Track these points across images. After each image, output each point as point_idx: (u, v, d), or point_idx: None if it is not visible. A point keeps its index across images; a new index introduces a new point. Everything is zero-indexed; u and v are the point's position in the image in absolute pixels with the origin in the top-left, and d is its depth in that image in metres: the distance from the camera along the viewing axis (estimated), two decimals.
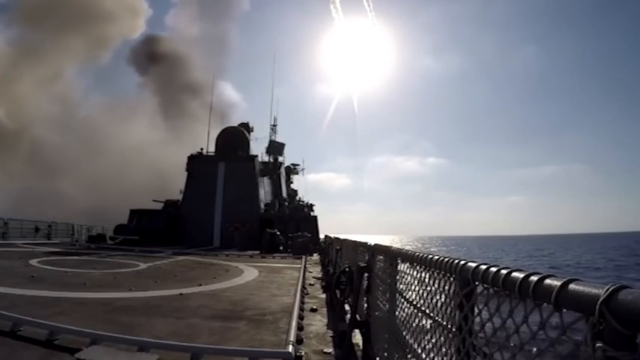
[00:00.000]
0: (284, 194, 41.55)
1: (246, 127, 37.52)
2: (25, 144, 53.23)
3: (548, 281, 1.14)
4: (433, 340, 2.19)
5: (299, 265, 14.38)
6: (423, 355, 2.32)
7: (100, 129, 57.72)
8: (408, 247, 3.30)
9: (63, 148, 52.76)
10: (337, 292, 6.36)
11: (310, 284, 10.97)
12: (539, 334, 1.18)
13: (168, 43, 71.34)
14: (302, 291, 8.80)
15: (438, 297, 2.15)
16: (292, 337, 4.80)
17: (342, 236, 10.75)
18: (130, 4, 65.78)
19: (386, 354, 3.40)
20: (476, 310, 1.67)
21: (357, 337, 5.09)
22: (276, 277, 11.76)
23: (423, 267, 2.35)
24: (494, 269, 1.45)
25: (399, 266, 3.17)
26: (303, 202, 43.37)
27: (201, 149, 32.71)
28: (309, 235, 25.10)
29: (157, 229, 27.76)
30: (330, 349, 4.99)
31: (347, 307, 6.14)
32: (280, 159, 42.34)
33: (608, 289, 0.93)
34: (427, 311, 2.34)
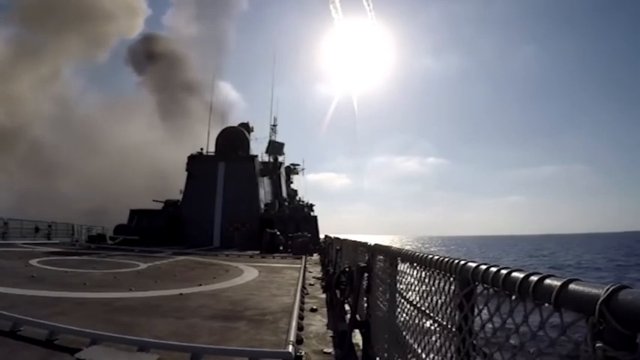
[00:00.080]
0: (284, 194, 41.55)
1: (246, 127, 37.52)
2: (23, 144, 53.22)
3: (548, 281, 1.14)
4: (433, 340, 2.19)
5: (299, 265, 14.38)
6: (423, 355, 2.32)
7: (99, 129, 57.79)
8: (408, 247, 3.30)
9: (62, 148, 52.82)
10: (337, 292, 6.36)
11: (310, 284, 10.97)
12: (539, 334, 1.18)
13: (166, 43, 71.38)
14: (302, 291, 8.80)
15: (438, 297, 2.15)
16: (292, 337, 4.80)
17: (342, 236, 10.75)
18: (129, 3, 65.81)
19: (386, 354, 3.40)
20: (476, 310, 1.67)
21: (357, 337, 5.09)
22: (276, 277, 11.76)
23: (423, 267, 2.35)
24: (494, 269, 1.45)
25: (399, 266, 3.17)
26: (303, 202, 43.39)
27: (201, 149, 32.72)
28: (309, 235, 25.09)
29: (156, 229, 27.75)
30: (330, 349, 4.99)
31: (347, 307, 6.14)
32: (280, 159, 42.39)
33: (608, 289, 0.93)
34: (427, 311, 2.34)
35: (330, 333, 5.77)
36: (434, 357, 2.14)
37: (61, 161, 51.79)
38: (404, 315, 2.88)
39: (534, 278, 1.19)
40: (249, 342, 5.04)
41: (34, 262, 12.24)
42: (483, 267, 1.54)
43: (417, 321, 2.53)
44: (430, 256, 2.21)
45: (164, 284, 9.38)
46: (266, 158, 39.91)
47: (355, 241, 6.52)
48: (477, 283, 1.60)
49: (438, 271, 2.08)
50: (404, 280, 2.98)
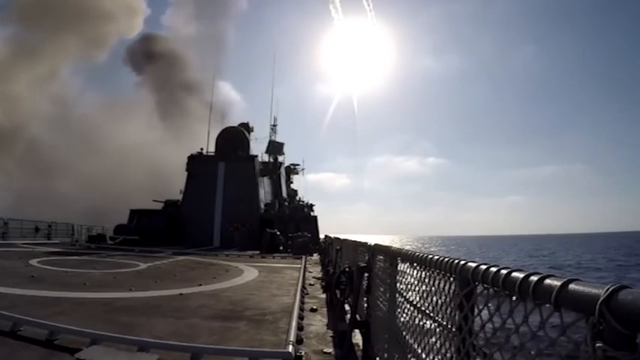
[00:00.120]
0: (284, 194, 41.56)
1: (246, 127, 37.53)
2: (21, 143, 53.19)
3: (548, 281, 1.14)
4: (433, 340, 2.19)
5: (299, 265, 14.38)
6: (423, 355, 2.32)
7: (98, 128, 57.77)
8: (407, 247, 3.30)
9: (60, 148, 52.78)
10: (337, 292, 6.36)
11: (310, 284, 10.97)
12: (540, 334, 1.18)
13: (165, 42, 71.41)
14: (302, 291, 8.80)
15: (438, 297, 2.15)
16: (292, 337, 4.80)
17: (342, 236, 10.75)
18: (129, 3, 65.76)
19: (386, 354, 3.40)
20: (476, 310, 1.67)
21: (357, 337, 5.09)
22: (276, 277, 11.75)
23: (423, 267, 2.35)
24: (494, 269, 1.45)
25: (399, 266, 3.17)
26: (303, 202, 43.38)
27: (201, 149, 32.72)
28: (309, 235, 25.09)
29: (156, 229, 27.75)
30: (330, 349, 4.99)
31: (347, 307, 6.14)
32: (280, 159, 42.40)
33: (608, 289, 0.93)
34: (427, 311, 2.34)
35: (330, 333, 5.77)
36: (434, 357, 2.14)
37: (60, 161, 51.80)
38: (404, 315, 2.88)
39: (534, 278, 1.19)
40: (249, 342, 5.04)
41: (34, 262, 12.24)
42: (483, 267, 1.54)
43: (417, 321, 2.53)
44: (430, 256, 2.21)
45: (164, 284, 9.38)
46: (266, 158, 39.95)
47: (355, 241, 6.52)
48: (476, 283, 1.60)
49: (438, 271, 2.08)
50: (404, 280, 2.98)
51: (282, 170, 42.81)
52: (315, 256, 20.99)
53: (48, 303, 6.62)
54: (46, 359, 4.17)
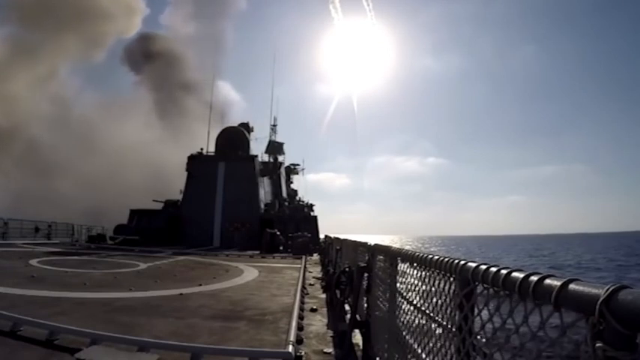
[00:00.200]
0: (284, 194, 41.56)
1: (246, 127, 37.53)
2: (20, 143, 53.14)
3: (548, 281, 1.14)
4: (433, 340, 2.19)
5: (299, 265, 14.38)
6: (423, 355, 2.32)
7: (96, 128, 57.77)
8: (407, 247, 3.30)
9: (59, 148, 52.73)
10: (337, 292, 6.36)
11: (310, 284, 10.97)
12: (540, 334, 1.18)
13: (163, 42, 71.36)
14: (302, 291, 8.80)
15: (438, 297, 2.15)
16: (292, 337, 4.80)
17: (342, 236, 10.75)
18: (127, 2, 65.70)
19: (386, 354, 3.40)
20: (476, 310, 1.67)
21: (357, 337, 5.09)
22: (276, 277, 11.76)
23: (423, 267, 2.35)
24: (494, 269, 1.45)
25: (398, 266, 3.17)
26: (303, 202, 43.39)
27: (201, 149, 32.73)
28: (309, 235, 25.09)
29: (156, 229, 27.76)
30: (330, 349, 4.99)
31: (347, 307, 6.14)
32: (280, 159, 42.42)
33: (608, 289, 0.93)
34: (427, 311, 2.34)
35: (330, 333, 5.77)
36: (434, 357, 2.14)
37: (59, 161, 51.73)
38: (404, 315, 2.88)
39: (534, 278, 1.19)
40: (249, 342, 5.04)
41: (34, 262, 12.23)
42: (483, 267, 1.54)
43: (417, 321, 2.53)
44: (430, 256, 2.21)
45: (164, 284, 9.38)
46: (266, 158, 39.96)
47: (355, 241, 6.52)
48: (477, 283, 1.60)
49: (438, 271, 2.08)
50: (404, 280, 2.98)
51: (282, 170, 42.82)
52: (315, 256, 20.99)
53: (48, 303, 6.62)
54: (46, 359, 4.17)
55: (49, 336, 4.64)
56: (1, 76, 53.05)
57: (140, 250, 19.75)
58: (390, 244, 3.72)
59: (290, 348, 4.39)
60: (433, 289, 2.20)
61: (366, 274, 4.62)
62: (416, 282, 2.59)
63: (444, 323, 2.05)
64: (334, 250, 10.21)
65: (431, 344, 2.21)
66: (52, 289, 7.87)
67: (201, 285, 9.39)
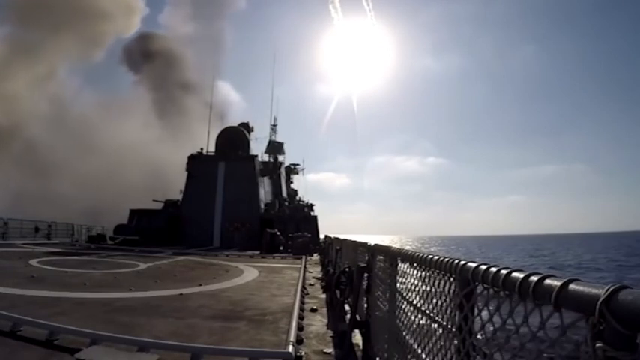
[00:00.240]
0: (284, 194, 41.56)
1: (246, 127, 37.53)
2: (19, 143, 53.08)
3: (548, 281, 1.14)
4: (433, 340, 2.19)
5: (299, 265, 14.38)
6: (423, 355, 2.32)
7: (95, 128, 57.72)
8: (407, 247, 3.30)
9: (58, 147, 52.67)
10: (337, 292, 6.36)
11: (310, 284, 10.97)
12: (540, 335, 1.18)
13: (162, 41, 71.31)
14: (302, 291, 8.80)
15: (438, 297, 2.15)
16: (292, 337, 4.80)
17: (342, 236, 10.75)
18: (127, 2, 65.63)
19: (386, 354, 3.40)
20: (476, 310, 1.67)
21: (357, 337, 5.09)
22: (276, 277, 11.75)
23: (423, 267, 2.35)
24: (494, 269, 1.45)
25: (398, 266, 3.17)
26: (303, 202, 43.38)
27: (201, 149, 32.73)
28: (309, 235, 25.09)
29: (157, 229, 27.76)
30: (330, 349, 4.98)
31: (347, 307, 6.14)
32: (280, 159, 42.42)
33: (608, 289, 0.93)
34: (427, 311, 2.34)
35: (330, 333, 5.77)
36: (434, 357, 2.14)
37: (58, 161, 51.67)
38: (404, 315, 2.88)
39: (534, 278, 1.19)
40: (249, 342, 5.04)
41: (34, 262, 12.24)
42: (483, 267, 1.54)
43: (417, 321, 2.53)
44: (430, 256, 2.21)
45: (164, 284, 9.38)
46: (266, 158, 39.96)
47: (355, 241, 6.52)
48: (477, 283, 1.60)
49: (438, 271, 2.08)
50: (404, 280, 2.98)
51: (282, 170, 42.81)
52: (315, 256, 20.99)
53: (48, 303, 6.62)
54: (46, 359, 4.17)
55: (49, 336, 4.64)
56: (1, 75, 53.07)
57: (140, 250, 19.75)
58: (390, 244, 3.72)
59: (290, 348, 4.39)
60: (433, 289, 2.20)
61: (366, 274, 4.61)
62: (416, 282, 2.59)
63: (444, 323, 2.05)
64: (334, 250, 10.21)
65: (431, 344, 2.21)
66: (52, 289, 7.87)
67: (201, 285, 9.39)
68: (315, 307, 7.46)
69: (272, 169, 38.52)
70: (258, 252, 22.13)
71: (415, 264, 2.54)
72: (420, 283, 2.49)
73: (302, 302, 7.60)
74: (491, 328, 1.49)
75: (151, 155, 48.95)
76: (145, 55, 68.95)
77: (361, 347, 4.80)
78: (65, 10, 56.81)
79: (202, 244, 25.83)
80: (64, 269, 10.94)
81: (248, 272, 12.64)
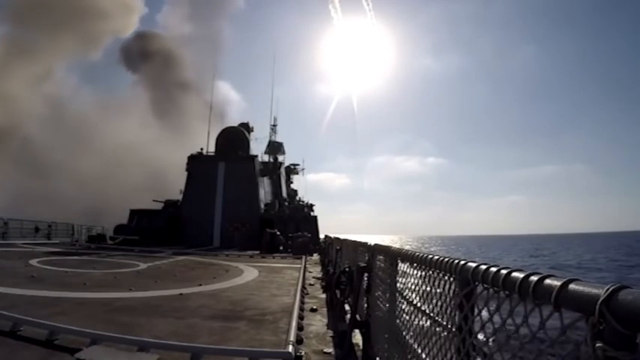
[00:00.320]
0: (284, 194, 41.56)
1: (246, 127, 37.54)
2: (18, 143, 53.02)
3: (548, 281, 1.14)
4: (433, 340, 2.19)
5: (299, 265, 14.38)
6: (423, 355, 2.32)
7: (94, 127, 57.71)
8: (407, 247, 3.30)
9: (58, 148, 52.64)
10: (337, 292, 6.36)
11: (310, 284, 10.97)
12: (539, 334, 1.18)
13: (161, 40, 71.26)
14: (302, 291, 8.80)
15: (438, 297, 2.15)
16: (292, 337, 4.80)
17: (342, 236, 10.75)
18: (124, 1, 65.53)
19: (386, 354, 3.40)
20: (476, 310, 1.67)
21: (357, 337, 5.09)
22: (276, 277, 11.75)
23: (423, 267, 2.35)
24: (494, 269, 1.45)
25: (398, 266, 3.17)
26: (303, 202, 43.39)
27: (201, 149, 32.73)
28: (309, 235, 25.08)
29: (157, 229, 27.76)
30: (330, 349, 4.98)
31: (347, 307, 6.14)
32: (280, 159, 42.43)
33: (608, 289, 0.93)
34: (427, 311, 2.34)
35: (330, 333, 5.77)
36: (434, 357, 2.14)
37: (57, 160, 51.62)
38: (404, 315, 2.88)
39: (534, 278, 1.19)
40: (249, 342, 5.04)
41: (34, 262, 12.24)
42: (483, 267, 1.54)
43: (417, 321, 2.53)
44: (430, 256, 2.21)
45: (164, 284, 9.38)
46: (266, 158, 39.97)
47: (355, 241, 6.52)
48: (476, 283, 1.60)
49: (437, 271, 2.08)
50: (404, 280, 2.98)
51: (282, 170, 42.83)
52: (315, 256, 20.99)
53: (48, 303, 6.62)
54: (46, 359, 4.17)
55: (49, 336, 4.64)
56: None
57: (140, 250, 19.75)
58: (390, 244, 3.72)
59: (290, 348, 4.39)
60: (433, 289, 2.20)
61: (366, 274, 4.62)
62: (416, 282, 2.59)
63: (444, 323, 2.04)
64: (334, 250, 10.21)
65: (431, 344, 2.21)
66: (52, 289, 7.87)
67: (201, 285, 9.39)
68: (315, 307, 7.46)
69: (272, 169, 38.52)
70: (258, 252, 22.13)
71: (415, 264, 2.54)
72: (420, 283, 2.49)
73: (302, 302, 7.60)
74: (492, 328, 1.49)
75: (151, 155, 48.98)
76: (143, 54, 68.95)
77: (361, 347, 4.80)
78: (63, 9, 56.80)
79: (202, 244, 25.83)
80: (64, 269, 10.94)
81: (248, 272, 12.64)
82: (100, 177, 49.05)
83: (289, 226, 28.20)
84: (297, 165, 49.14)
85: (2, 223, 22.13)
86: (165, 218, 29.73)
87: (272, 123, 42.69)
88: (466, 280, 1.69)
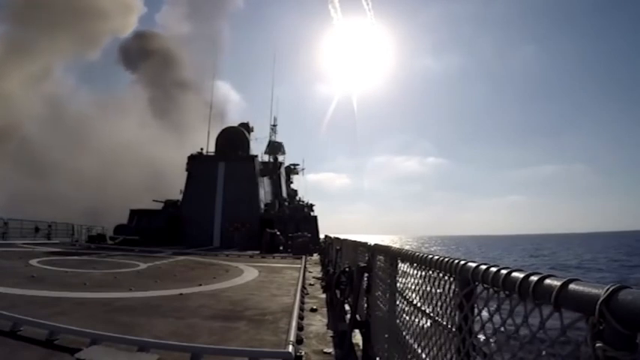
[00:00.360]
0: (284, 194, 41.56)
1: (246, 127, 37.54)
2: (17, 143, 52.94)
3: (548, 281, 1.14)
4: (433, 340, 2.19)
5: (299, 265, 14.38)
6: (423, 355, 2.32)
7: (94, 127, 57.66)
8: (407, 247, 3.30)
9: (57, 147, 52.58)
10: (337, 292, 6.36)
11: (310, 284, 10.97)
12: (539, 334, 1.18)
13: (159, 40, 71.24)
14: (302, 291, 8.80)
15: (438, 297, 2.14)
16: (292, 337, 4.80)
17: (342, 236, 10.74)
18: (123, 0, 65.47)
19: (386, 354, 3.40)
20: (476, 310, 1.67)
21: (357, 337, 5.09)
22: (276, 277, 11.75)
23: (423, 267, 2.35)
24: (494, 269, 1.45)
25: (398, 266, 3.17)
26: (303, 202, 43.39)
27: (201, 149, 32.73)
28: (309, 235, 25.08)
29: (157, 229, 27.75)
30: (330, 349, 4.98)
31: (347, 307, 6.14)
32: (280, 159, 42.44)
33: (608, 289, 0.93)
34: (427, 311, 2.34)
35: (330, 333, 5.77)
36: (434, 357, 2.14)
37: (55, 160, 51.56)
38: (404, 315, 2.88)
39: (534, 278, 1.19)
40: (249, 342, 5.04)
41: (34, 262, 12.24)
42: (483, 267, 1.54)
43: (417, 321, 2.53)
44: (430, 256, 2.21)
45: (164, 284, 9.38)
46: (266, 158, 39.97)
47: (355, 241, 6.52)
48: (477, 283, 1.60)
49: (437, 271, 2.08)
50: (404, 280, 2.98)
51: (282, 170, 42.83)
52: (315, 256, 20.99)
53: (48, 303, 6.62)
54: (46, 359, 4.17)
55: (49, 336, 4.64)
56: None
57: (140, 250, 19.74)
58: (390, 244, 3.72)
59: (290, 348, 4.39)
60: (433, 289, 2.20)
61: (366, 274, 4.61)
62: (416, 282, 2.59)
63: (444, 323, 2.04)
64: (334, 250, 10.21)
65: (431, 344, 2.21)
66: (52, 289, 7.87)
67: (201, 285, 9.39)
68: (315, 307, 7.46)
69: (272, 169, 38.53)
70: (258, 252, 22.13)
71: (415, 264, 2.54)
72: (420, 283, 2.49)
73: (302, 302, 7.60)
74: (491, 327, 1.49)
75: (151, 155, 48.96)
76: (142, 53, 68.91)
77: (361, 347, 4.80)
78: (62, 8, 56.75)
79: (202, 244, 25.83)
80: (64, 269, 10.94)
81: (248, 272, 12.64)
82: (100, 177, 49.07)
83: (289, 226, 28.20)
84: (297, 165, 49.20)
85: (2, 223, 22.13)
86: (165, 218, 29.73)
87: (272, 123, 42.77)
88: (466, 280, 1.69)
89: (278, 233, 25.17)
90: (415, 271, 2.60)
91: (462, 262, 1.76)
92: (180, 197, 31.37)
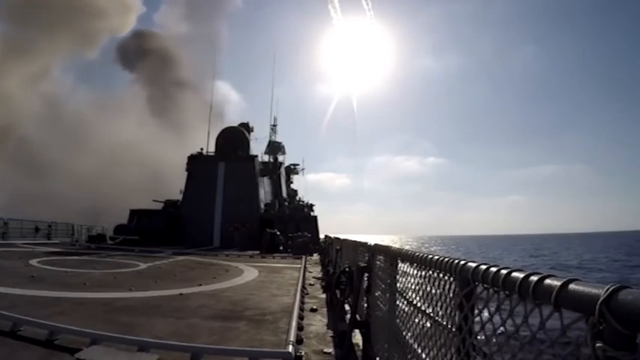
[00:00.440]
0: (284, 194, 41.57)
1: (246, 127, 37.54)
2: (16, 142, 52.89)
3: (548, 281, 1.14)
4: (433, 340, 2.19)
5: (299, 265, 14.38)
6: (423, 355, 2.32)
7: (94, 127, 57.64)
8: (407, 247, 3.30)
9: (56, 147, 52.54)
10: (337, 292, 6.36)
11: (310, 284, 10.97)
12: (540, 334, 1.18)
13: (158, 39, 71.22)
14: (302, 291, 8.80)
15: (438, 297, 2.14)
16: (292, 337, 4.80)
17: (342, 236, 10.74)
18: (122, 0, 65.40)
19: (386, 354, 3.40)
20: (476, 310, 1.67)
21: (357, 337, 5.09)
22: (276, 277, 11.75)
23: (423, 267, 2.35)
24: (494, 269, 1.45)
25: (398, 266, 3.17)
26: (303, 202, 43.39)
27: (201, 149, 32.73)
28: (309, 235, 25.08)
29: (157, 229, 27.75)
30: (330, 349, 4.98)
31: (347, 307, 6.14)
32: (280, 159, 42.44)
33: (608, 289, 0.93)
34: (427, 311, 2.34)
35: (330, 333, 5.77)
36: (434, 357, 2.14)
37: (54, 160, 51.51)
38: (404, 315, 2.88)
39: (534, 278, 1.19)
40: (249, 342, 5.04)
41: (34, 262, 12.23)
42: (483, 267, 1.54)
43: (417, 321, 2.53)
44: (430, 256, 2.21)
45: (164, 284, 9.38)
46: (266, 158, 39.98)
47: (355, 241, 6.52)
48: (477, 283, 1.60)
49: (437, 271, 2.08)
50: (404, 280, 2.98)
51: (282, 170, 42.83)
52: (315, 256, 20.99)
53: (48, 303, 6.62)
54: (46, 359, 4.17)
55: (49, 336, 4.64)
56: None
57: (140, 250, 19.74)
58: (390, 244, 3.72)
59: (290, 348, 4.39)
60: (433, 289, 2.20)
61: (366, 274, 4.62)
62: (416, 282, 2.59)
63: (444, 323, 2.04)
64: (334, 250, 10.21)
65: (431, 344, 2.21)
66: (52, 289, 7.87)
67: (201, 285, 9.39)
68: (315, 307, 7.46)
69: (272, 169, 38.53)
70: (258, 252, 22.13)
71: (415, 264, 2.54)
72: (420, 283, 2.49)
73: (302, 302, 7.60)
74: (491, 327, 1.49)
75: (150, 154, 48.94)
76: (140, 53, 68.89)
77: (361, 347, 4.80)
78: (60, 7, 56.70)
79: (202, 244, 25.83)
80: (64, 269, 10.94)
81: (248, 272, 12.64)
82: (99, 176, 49.05)
83: (289, 226, 28.20)
84: (297, 165, 49.20)
85: (2, 223, 22.13)
86: (165, 218, 29.73)
87: (272, 123, 42.78)
88: (466, 280, 1.69)
89: (278, 233, 25.17)
90: (415, 271, 2.60)
91: (462, 262, 1.76)
92: (180, 197, 31.38)
